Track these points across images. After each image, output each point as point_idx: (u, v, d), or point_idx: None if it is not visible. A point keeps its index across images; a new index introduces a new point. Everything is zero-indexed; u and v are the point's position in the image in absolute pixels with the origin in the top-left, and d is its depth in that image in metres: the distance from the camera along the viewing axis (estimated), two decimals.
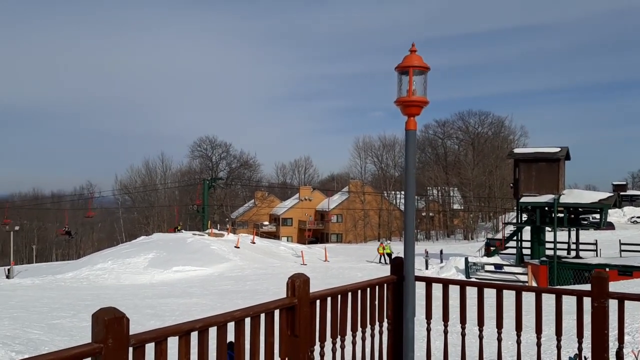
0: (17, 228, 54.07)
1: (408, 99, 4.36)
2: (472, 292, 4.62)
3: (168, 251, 38.29)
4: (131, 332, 2.39)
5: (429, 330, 4.68)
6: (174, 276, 33.47)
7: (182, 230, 48.70)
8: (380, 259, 37.46)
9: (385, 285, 4.47)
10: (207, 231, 49.70)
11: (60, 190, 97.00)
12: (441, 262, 36.92)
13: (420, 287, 4.58)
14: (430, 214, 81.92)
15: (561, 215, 33.65)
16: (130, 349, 2.37)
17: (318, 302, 3.72)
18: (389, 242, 45.44)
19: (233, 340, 3.03)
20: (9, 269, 38.98)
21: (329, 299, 3.84)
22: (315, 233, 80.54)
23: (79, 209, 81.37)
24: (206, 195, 58.47)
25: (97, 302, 23.75)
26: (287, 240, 67.75)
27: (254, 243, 45.52)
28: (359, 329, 4.16)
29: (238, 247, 41.34)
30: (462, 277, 30.43)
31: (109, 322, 2.24)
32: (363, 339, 4.18)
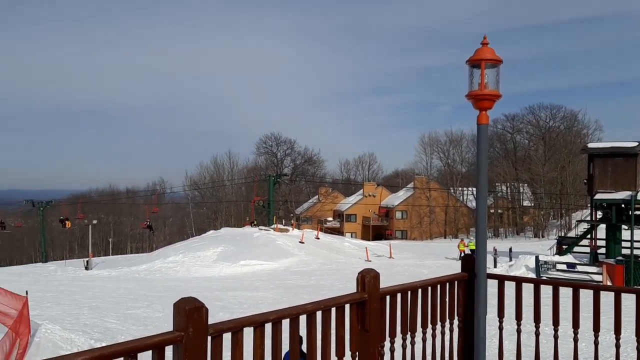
0: (95, 222, 56.98)
1: (480, 92, 4.27)
2: (543, 292, 4.49)
3: (235, 245, 39.18)
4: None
5: (501, 329, 4.57)
6: (241, 270, 34.24)
7: (260, 226, 49.62)
8: (460, 255, 36.80)
9: (456, 282, 4.40)
10: (272, 226, 50.47)
11: (135, 186, 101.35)
12: (510, 260, 35.88)
13: (490, 285, 4.48)
14: (499, 211, 79.65)
15: (639, 212, 31.91)
16: (209, 338, 2.45)
17: (388, 297, 3.71)
18: (471, 239, 44.58)
19: (302, 334, 3.08)
20: (87, 261, 40.97)
21: (399, 294, 3.82)
22: (380, 229, 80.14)
23: (152, 204, 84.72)
24: (271, 191, 59.38)
25: (169, 294, 24.67)
26: (351, 236, 67.77)
27: (318, 238, 45.83)
28: (429, 325, 4.12)
29: (303, 243, 41.75)
30: (532, 276, 29.43)
31: (190, 312, 2.33)
32: (433, 336, 4.14)
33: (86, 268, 39.17)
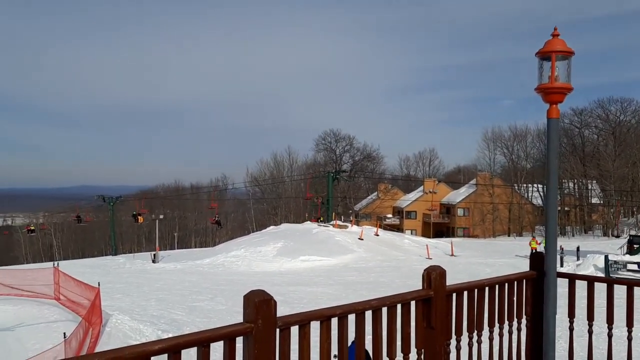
0: (161, 217, 59.04)
1: (550, 85, 4.13)
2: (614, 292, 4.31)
3: (295, 241, 39.57)
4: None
5: (571, 329, 4.42)
6: (300, 265, 34.56)
7: (320, 223, 49.95)
8: (532, 253, 35.70)
9: (524, 280, 4.28)
10: (331, 222, 50.62)
11: (199, 182, 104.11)
12: (578, 259, 34.53)
13: (559, 284, 4.35)
14: (566, 209, 76.70)
15: None
16: (277, 330, 2.50)
17: (454, 295, 3.66)
18: (542, 237, 43.28)
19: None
20: (154, 254, 42.43)
21: (465, 292, 3.76)
22: (440, 227, 78.93)
23: (215, 199, 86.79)
24: (330, 187, 59.56)
25: (231, 287, 25.25)
26: (411, 234, 67.08)
27: (378, 235, 45.62)
28: (496, 324, 4.03)
29: (362, 239, 41.67)
30: (601, 275, 28.20)
31: (259, 304, 2.38)
32: (500, 335, 4.05)
33: (153, 261, 40.55)
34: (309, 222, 54.23)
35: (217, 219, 58.03)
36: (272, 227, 52.07)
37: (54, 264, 23.35)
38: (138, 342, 13.79)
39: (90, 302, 16.33)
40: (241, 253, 38.13)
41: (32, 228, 62.59)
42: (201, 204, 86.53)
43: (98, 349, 13.40)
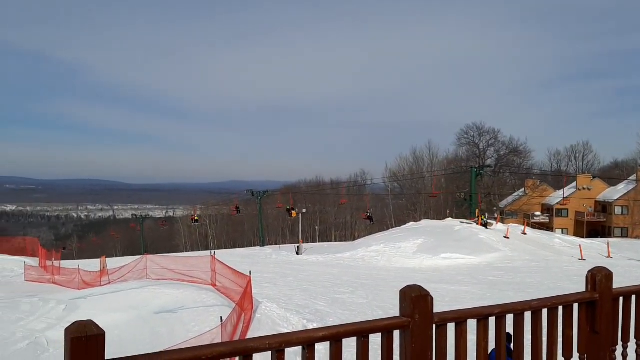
0: (304, 211, 61.27)
1: None
2: None
3: (436, 238, 38.86)
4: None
5: None
6: (442, 263, 33.88)
7: (462, 220, 48.65)
8: None
9: None
10: (482, 219, 48.87)
11: (338, 177, 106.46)
12: None
13: None
14: None
15: None
16: (434, 326, 2.51)
17: (621, 299, 3.40)
18: None
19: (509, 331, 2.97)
20: (298, 247, 44.23)
21: (633, 297, 3.48)
22: (595, 226, 72.89)
23: (354, 194, 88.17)
24: (473, 183, 57.54)
25: (371, 282, 25.52)
26: (562, 233, 62.72)
27: (525, 234, 43.26)
28: None
29: (508, 238, 39.79)
30: None
31: (416, 299, 2.41)
32: None
33: (297, 253, 42.25)
34: (450, 218, 52.91)
35: (369, 214, 58.70)
36: (411, 223, 51.65)
37: (211, 253, 25.24)
38: (286, 329, 14.50)
39: (242, 289, 17.44)
40: (381, 248, 38.31)
41: (196, 218, 67.95)
42: (340, 199, 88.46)
43: (250, 334, 14.30)
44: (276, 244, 69.91)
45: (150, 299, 20.06)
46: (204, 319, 16.80)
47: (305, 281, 25.66)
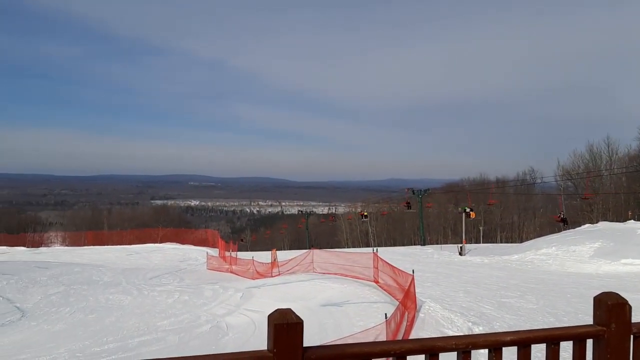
0: (468, 210, 59.43)
1: None
2: None
3: (615, 241, 35.36)
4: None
5: None
6: (622, 269, 30.74)
7: None
8: None
9: None
10: None
11: (504, 175, 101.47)
12: None
13: None
14: None
15: None
16: (631, 337, 2.35)
17: None
18: None
19: None
20: (461, 247, 43.10)
21: None
22: None
23: (520, 194, 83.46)
24: None
25: (541, 286, 24.00)
26: None
27: None
28: None
29: None
30: None
31: (612, 307, 2.28)
32: None
33: (460, 253, 41.20)
34: (632, 220, 47.72)
35: (562, 216, 55.14)
36: (587, 225, 47.54)
37: (373, 250, 25.67)
38: (450, 331, 14.26)
39: (404, 287, 17.50)
40: (552, 251, 35.85)
41: (365, 214, 69.11)
42: (507, 198, 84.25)
43: (413, 334, 14.31)
44: (437, 244, 68.82)
45: (317, 292, 21.02)
46: (368, 314, 17.17)
47: (469, 283, 24.95)
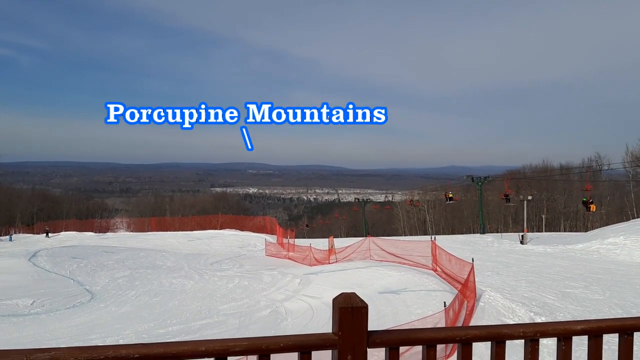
0: (529, 198, 57.78)
1: None
2: None
3: None
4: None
5: None
6: None
7: None
8: None
9: None
10: None
11: (569, 162, 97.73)
12: None
13: None
14: None
15: None
16: None
17: None
18: None
19: None
20: (522, 236, 42.00)
21: None
22: None
23: (585, 181, 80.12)
24: None
25: (608, 277, 23.09)
26: None
27: None
28: None
29: None
30: None
31: None
32: None
33: (521, 242, 40.16)
34: None
35: None
36: None
37: (431, 238, 25.38)
38: (511, 321, 13.97)
39: (463, 276, 17.24)
40: (620, 240, 34.35)
41: (450, 195, 65.98)
42: (571, 186, 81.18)
43: (472, 323, 14.11)
44: (497, 232, 67.24)
45: (374, 279, 21.03)
46: (426, 302, 17.04)
47: (531, 272, 24.30)
